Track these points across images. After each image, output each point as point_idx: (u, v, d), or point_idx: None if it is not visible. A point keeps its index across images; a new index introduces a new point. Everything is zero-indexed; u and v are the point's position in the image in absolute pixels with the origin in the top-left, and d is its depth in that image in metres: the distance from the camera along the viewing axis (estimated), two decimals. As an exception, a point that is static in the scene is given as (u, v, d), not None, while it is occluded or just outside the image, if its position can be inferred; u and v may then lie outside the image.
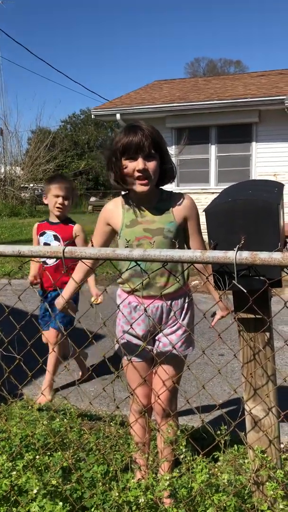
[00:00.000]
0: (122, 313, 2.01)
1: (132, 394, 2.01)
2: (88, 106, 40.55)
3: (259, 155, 11.00)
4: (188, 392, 3.29)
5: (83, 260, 1.87)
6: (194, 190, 11.01)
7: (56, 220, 3.37)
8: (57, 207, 3.29)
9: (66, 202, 3.30)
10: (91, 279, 3.24)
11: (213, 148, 11.43)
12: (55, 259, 3.19)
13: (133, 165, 1.85)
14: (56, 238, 3.32)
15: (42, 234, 3.35)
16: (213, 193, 11.03)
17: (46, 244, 3.27)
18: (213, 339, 4.24)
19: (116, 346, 2.12)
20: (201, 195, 10.83)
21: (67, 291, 2.15)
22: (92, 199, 29.69)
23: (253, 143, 11.04)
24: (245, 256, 1.28)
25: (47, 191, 3.35)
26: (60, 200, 3.28)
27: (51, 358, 3.26)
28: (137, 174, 1.86)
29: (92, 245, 1.89)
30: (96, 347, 4.08)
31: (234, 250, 1.28)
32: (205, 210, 1.46)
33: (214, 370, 3.74)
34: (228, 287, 1.41)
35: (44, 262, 3.28)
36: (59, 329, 3.25)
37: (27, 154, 25.07)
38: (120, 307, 2.10)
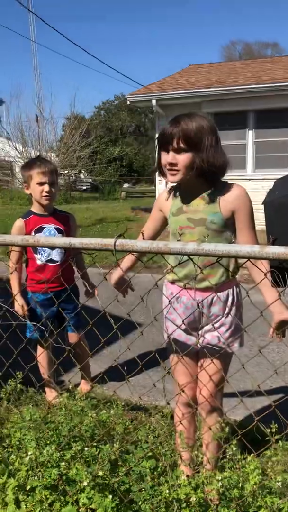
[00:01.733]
0: (172, 306, 1.97)
1: (181, 390, 1.98)
2: (122, 92, 40.24)
3: (299, 140, 10.69)
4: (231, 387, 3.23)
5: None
6: (230, 177, 10.75)
7: (44, 212, 2.94)
8: (45, 196, 2.84)
9: (53, 189, 2.88)
10: (86, 274, 2.99)
11: (250, 134, 11.18)
12: (62, 256, 2.92)
13: (165, 157, 1.86)
14: (59, 231, 2.93)
15: (39, 230, 2.90)
16: (250, 179, 10.81)
17: None
18: (255, 332, 4.16)
19: (165, 338, 2.10)
20: (238, 182, 10.62)
21: (115, 275, 2.16)
22: (125, 185, 29.75)
23: (293, 128, 10.72)
24: (308, 252, 1.22)
25: (27, 179, 2.87)
26: (46, 187, 2.83)
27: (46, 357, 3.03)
28: (167, 166, 1.87)
29: (143, 237, 1.86)
30: (139, 338, 4.08)
31: (296, 246, 1.22)
32: (264, 203, 1.40)
33: (254, 363, 3.68)
34: None
35: (51, 261, 2.90)
36: (77, 330, 3.02)
37: (62, 141, 25.17)
38: (163, 298, 2.07)
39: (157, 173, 2.03)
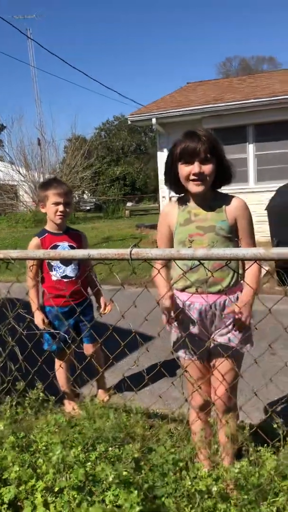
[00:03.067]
0: (190, 315, 2.06)
1: (197, 388, 2.07)
2: (121, 112, 40.91)
3: (299, 152, 10.85)
4: (242, 390, 3.31)
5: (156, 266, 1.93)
6: (232, 190, 10.89)
7: (58, 230, 3.13)
8: (59, 215, 3.03)
9: (67, 209, 3.07)
10: (98, 291, 3.15)
11: (251, 147, 11.36)
12: (76, 272, 3.09)
13: (189, 169, 1.98)
14: (72, 248, 3.04)
15: (53, 248, 3.01)
16: (252, 192, 10.95)
17: None
18: (267, 337, 4.24)
19: (173, 346, 2.20)
20: (240, 195, 10.73)
21: (167, 297, 2.05)
22: (129, 204, 30.04)
23: (292, 140, 10.90)
24: (309, 251, 1.34)
25: (44, 198, 3.06)
26: (61, 207, 3.02)
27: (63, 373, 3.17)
28: (192, 177, 1.98)
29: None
30: (153, 348, 4.16)
31: (298, 246, 1.33)
32: (267, 209, 1.52)
33: (265, 368, 3.75)
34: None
35: (65, 277, 3.06)
36: (91, 342, 3.17)
37: (65, 163, 25.57)
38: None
39: (166, 188, 2.15)
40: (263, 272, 8.24)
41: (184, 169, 1.99)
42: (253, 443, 1.76)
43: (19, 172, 24.64)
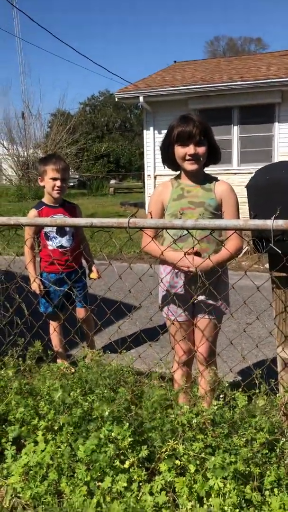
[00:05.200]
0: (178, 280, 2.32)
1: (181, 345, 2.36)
2: (107, 88, 40.46)
3: (282, 135, 11.12)
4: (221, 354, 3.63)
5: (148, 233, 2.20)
6: (216, 171, 11.17)
7: (55, 203, 3.33)
8: (56, 190, 3.24)
9: (64, 184, 3.27)
10: (90, 260, 3.44)
11: (235, 129, 11.58)
12: (71, 243, 3.31)
13: (185, 150, 2.24)
14: None
15: None
16: (235, 173, 11.22)
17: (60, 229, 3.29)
18: (240, 310, 4.57)
19: (161, 309, 2.47)
20: (224, 176, 11.00)
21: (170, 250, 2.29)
22: (112, 181, 30.08)
23: (276, 124, 11.14)
24: (281, 223, 1.60)
25: (43, 173, 3.24)
26: (58, 183, 3.22)
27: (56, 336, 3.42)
28: (188, 157, 2.24)
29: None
30: (137, 317, 4.44)
31: (272, 219, 1.60)
32: (246, 187, 1.78)
33: (244, 336, 4.08)
34: (265, 250, 1.74)
35: (61, 247, 3.28)
36: (84, 307, 3.43)
37: (50, 138, 25.37)
38: (163, 273, 2.44)
39: (164, 165, 2.41)
40: (244, 250, 8.55)
41: (180, 150, 2.25)
42: (229, 389, 2.05)
43: (3, 145, 24.41)
